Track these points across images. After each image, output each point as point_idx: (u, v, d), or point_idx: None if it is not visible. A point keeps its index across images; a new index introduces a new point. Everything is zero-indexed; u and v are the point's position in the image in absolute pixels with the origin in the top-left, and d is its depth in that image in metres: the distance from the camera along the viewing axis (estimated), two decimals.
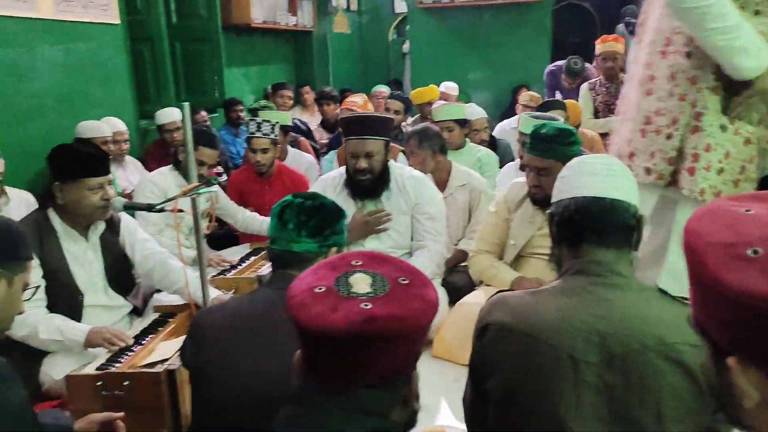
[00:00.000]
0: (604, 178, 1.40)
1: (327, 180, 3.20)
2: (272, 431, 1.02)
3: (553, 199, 1.48)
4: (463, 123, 4.23)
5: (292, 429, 1.00)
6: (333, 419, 0.97)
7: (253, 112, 5.10)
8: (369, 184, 2.99)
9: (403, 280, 1.02)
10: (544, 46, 7.84)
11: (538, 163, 2.54)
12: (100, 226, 2.70)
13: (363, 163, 2.93)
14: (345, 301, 0.97)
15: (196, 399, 1.63)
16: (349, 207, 2.98)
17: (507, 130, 5.52)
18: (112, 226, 2.76)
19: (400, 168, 3.16)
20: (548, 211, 1.50)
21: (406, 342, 0.99)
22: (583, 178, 1.42)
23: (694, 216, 0.81)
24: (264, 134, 3.86)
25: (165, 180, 3.46)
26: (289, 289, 1.03)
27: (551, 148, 2.48)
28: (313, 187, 3.29)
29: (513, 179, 3.52)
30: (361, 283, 1.01)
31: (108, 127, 4.31)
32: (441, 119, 4.20)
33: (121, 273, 2.78)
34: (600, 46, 5.23)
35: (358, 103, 5.03)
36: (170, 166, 3.57)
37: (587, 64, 6.31)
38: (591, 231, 1.38)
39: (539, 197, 2.59)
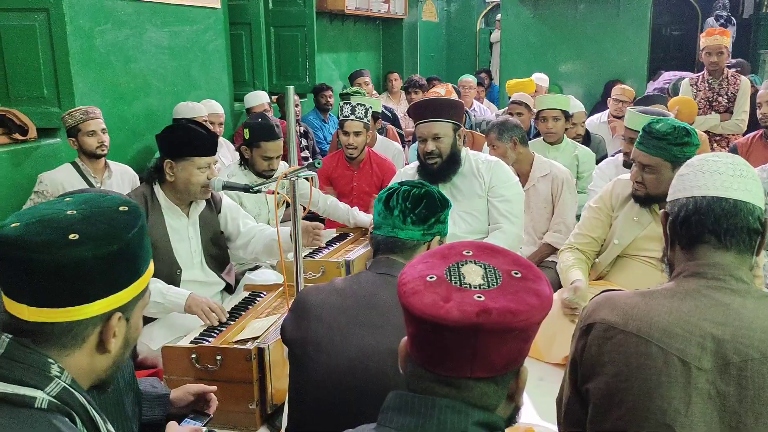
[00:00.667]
0: (729, 178, 1.32)
1: (406, 171, 3.23)
2: (377, 414, 1.03)
3: (669, 198, 1.41)
4: (568, 116, 4.14)
5: (399, 416, 0.99)
6: (440, 409, 0.97)
7: (344, 97, 5.14)
8: (439, 167, 2.98)
9: (516, 273, 1.00)
10: (641, 38, 7.55)
11: (643, 159, 2.42)
12: (201, 204, 2.79)
13: (431, 146, 2.94)
14: (457, 292, 0.96)
15: (295, 375, 1.64)
16: None
17: (596, 124, 5.37)
18: (212, 205, 2.84)
19: (475, 153, 3.14)
20: (662, 210, 1.43)
21: (518, 336, 0.97)
22: (705, 176, 1.34)
23: None
24: (358, 117, 3.87)
25: (236, 180, 3.30)
26: (400, 275, 1.02)
27: (660, 146, 2.35)
28: (392, 181, 3.28)
29: (612, 174, 3.41)
30: (473, 274, 0.99)
31: (205, 108, 4.44)
32: (548, 107, 4.09)
33: (217, 250, 2.87)
34: (705, 40, 4.99)
35: (440, 93, 4.99)
36: (238, 163, 3.50)
37: (684, 73, 6.05)
38: (710, 233, 1.31)
39: (641, 195, 2.48)
